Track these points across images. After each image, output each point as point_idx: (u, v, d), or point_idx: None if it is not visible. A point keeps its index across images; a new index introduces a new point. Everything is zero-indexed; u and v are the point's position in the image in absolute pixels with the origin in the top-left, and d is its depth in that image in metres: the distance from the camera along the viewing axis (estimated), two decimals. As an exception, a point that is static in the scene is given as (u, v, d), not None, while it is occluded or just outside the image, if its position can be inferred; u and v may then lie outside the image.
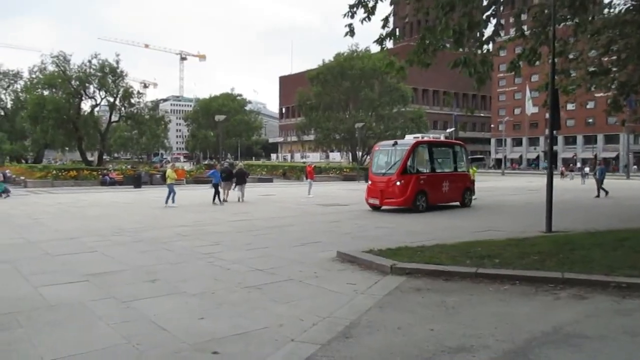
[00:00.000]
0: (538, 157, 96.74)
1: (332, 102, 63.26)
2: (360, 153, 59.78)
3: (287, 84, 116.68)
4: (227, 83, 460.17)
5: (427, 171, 18.39)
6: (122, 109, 50.23)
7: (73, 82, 47.03)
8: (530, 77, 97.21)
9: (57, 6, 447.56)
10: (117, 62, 47.84)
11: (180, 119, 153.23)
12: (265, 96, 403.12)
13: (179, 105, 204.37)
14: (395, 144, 18.62)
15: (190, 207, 19.88)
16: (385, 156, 18.71)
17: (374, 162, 19.41)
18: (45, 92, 49.29)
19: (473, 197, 21.04)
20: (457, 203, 19.58)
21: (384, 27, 10.94)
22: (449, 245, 9.51)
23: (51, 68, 48.81)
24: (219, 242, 11.32)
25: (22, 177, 40.52)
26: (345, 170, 52.02)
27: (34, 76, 53.64)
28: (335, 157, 79.70)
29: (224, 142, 76.86)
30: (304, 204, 21.26)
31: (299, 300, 6.45)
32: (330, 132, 62.59)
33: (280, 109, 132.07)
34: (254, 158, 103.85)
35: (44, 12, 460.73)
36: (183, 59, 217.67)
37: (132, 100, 49.59)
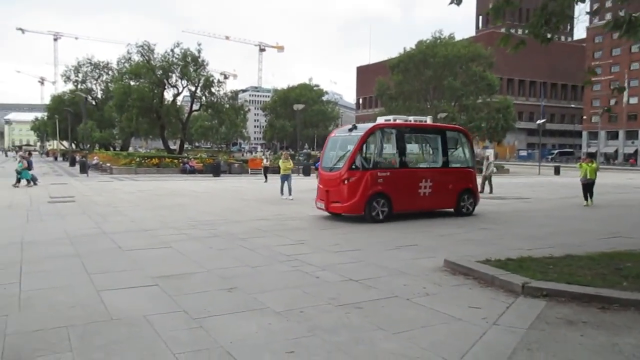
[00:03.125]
0: (637, 151, 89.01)
1: (413, 92, 60.74)
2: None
3: (365, 74, 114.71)
4: (305, 74, 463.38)
5: (393, 165, 13.31)
6: (203, 98, 50.60)
7: (157, 71, 47.80)
8: (630, 65, 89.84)
9: (144, 2, 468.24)
10: (199, 51, 48.13)
11: (258, 109, 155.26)
12: (342, 87, 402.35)
13: (257, 95, 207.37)
14: (353, 128, 13.57)
15: (271, 198, 18.86)
16: (338, 145, 13.87)
17: (325, 153, 14.33)
18: (131, 82, 50.50)
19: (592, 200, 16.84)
20: (451, 210, 14.20)
21: None
22: (585, 257, 7.68)
23: (136, 58, 49.94)
24: (303, 240, 10.05)
25: (109, 164, 41.71)
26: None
27: (120, 66, 55.29)
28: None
29: (301, 132, 76.43)
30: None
31: (412, 329, 4.99)
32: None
33: (357, 100, 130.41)
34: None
35: (132, 7, 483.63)
36: (262, 50, 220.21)
37: (213, 90, 49.82)
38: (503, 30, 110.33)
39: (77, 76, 68.09)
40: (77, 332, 4.90)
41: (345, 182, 12.57)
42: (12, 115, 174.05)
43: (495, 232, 11.39)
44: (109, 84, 65.82)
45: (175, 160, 41.57)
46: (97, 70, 68.97)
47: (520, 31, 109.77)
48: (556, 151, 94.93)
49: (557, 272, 6.69)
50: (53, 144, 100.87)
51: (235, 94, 60.66)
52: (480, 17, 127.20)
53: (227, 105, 52.53)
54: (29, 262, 8.06)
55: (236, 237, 10.34)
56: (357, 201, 12.45)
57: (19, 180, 24.37)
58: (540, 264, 7.27)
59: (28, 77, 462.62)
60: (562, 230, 11.61)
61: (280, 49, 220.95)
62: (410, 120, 16.51)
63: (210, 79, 49.12)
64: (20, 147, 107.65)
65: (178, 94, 51.47)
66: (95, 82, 70.05)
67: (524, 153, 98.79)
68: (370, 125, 13.68)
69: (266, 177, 29.77)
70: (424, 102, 61.41)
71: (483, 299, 6.02)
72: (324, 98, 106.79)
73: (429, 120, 20.04)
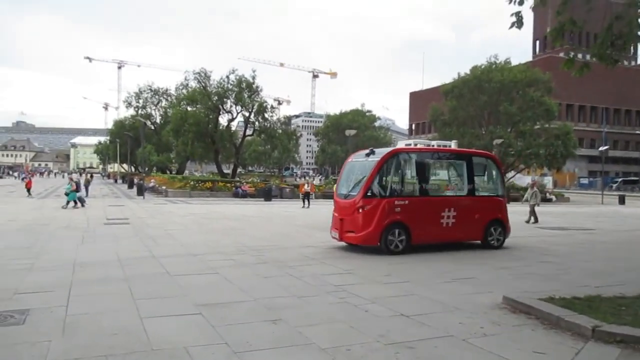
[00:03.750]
0: None
1: (467, 117, 59.60)
2: (498, 172, 55.41)
3: (418, 99, 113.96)
4: (357, 99, 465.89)
5: (412, 193, 12.25)
6: (256, 123, 51.35)
7: (212, 97, 49.01)
8: None
9: (203, 32, 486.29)
10: (253, 77, 49.04)
11: (310, 134, 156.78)
12: (394, 113, 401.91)
13: (310, 121, 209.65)
14: (371, 153, 12.50)
15: (320, 224, 18.62)
16: (355, 171, 12.87)
17: (341, 180, 13.45)
18: (188, 108, 51.96)
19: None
20: (478, 242, 13.04)
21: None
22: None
23: (193, 84, 51.42)
24: (352, 270, 9.70)
25: (164, 187, 42.77)
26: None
27: (178, 92, 57.12)
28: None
29: (353, 157, 76.29)
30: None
31: (469, 375, 4.57)
32: (465, 148, 58.97)
33: (410, 125, 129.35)
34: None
35: (191, 36, 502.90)
36: (315, 76, 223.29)
37: (266, 115, 50.49)
38: (562, 54, 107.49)
39: (138, 102, 70.83)
40: (116, 362, 4.76)
41: (360, 210, 11.67)
42: (78, 139, 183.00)
43: (557, 266, 10.67)
44: (167, 110, 68.00)
45: (228, 184, 42.17)
46: (157, 96, 71.53)
47: (580, 55, 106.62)
48: (620, 179, 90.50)
49: (632, 315, 6.07)
50: (114, 167, 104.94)
51: (288, 119, 61.32)
52: (538, 42, 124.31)
53: (280, 131, 53.08)
54: (78, 284, 8.10)
55: (284, 265, 10.12)
56: (372, 231, 11.49)
57: (68, 202, 25.07)
58: (612, 304, 6.65)
59: (93, 103, 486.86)
60: (632, 266, 10.76)
61: (333, 75, 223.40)
62: (433, 145, 16.06)
63: (264, 104, 49.86)
64: (83, 170, 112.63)
65: (232, 119, 52.52)
66: (154, 107, 72.60)
67: (585, 181, 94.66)
68: (388, 149, 12.93)
69: (304, 202, 29.40)
70: (479, 128, 60.17)
71: (548, 343, 5.48)
72: (376, 124, 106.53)
73: (453, 145, 19.26)
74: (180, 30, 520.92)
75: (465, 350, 5.23)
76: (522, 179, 65.68)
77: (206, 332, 5.72)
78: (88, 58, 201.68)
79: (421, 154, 13.14)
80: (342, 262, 10.60)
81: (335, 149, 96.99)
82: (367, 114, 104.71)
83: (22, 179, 62.38)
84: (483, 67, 58.53)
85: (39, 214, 21.62)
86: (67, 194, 25.36)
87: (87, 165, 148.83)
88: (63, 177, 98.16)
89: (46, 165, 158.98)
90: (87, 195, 36.21)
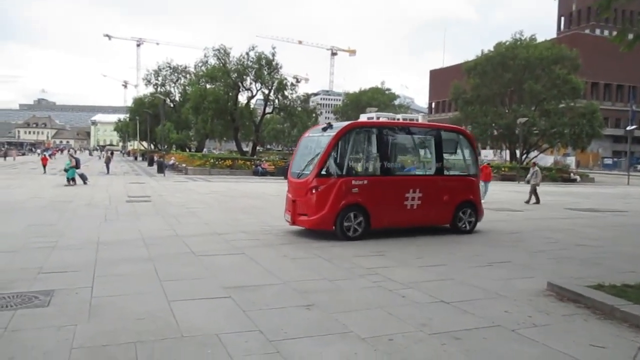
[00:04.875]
0: None
1: (490, 96, 58.34)
2: (520, 151, 54.37)
3: (438, 78, 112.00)
4: (376, 78, 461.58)
5: (372, 172, 11.24)
6: (276, 101, 50.89)
7: (232, 74, 48.59)
8: None
9: (221, 8, 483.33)
10: (273, 54, 48.44)
11: (329, 112, 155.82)
12: (413, 91, 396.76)
13: (329, 99, 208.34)
14: (328, 127, 11.32)
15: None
16: (310, 148, 11.60)
17: (295, 157, 12.22)
18: (207, 85, 51.65)
19: None
20: (446, 225, 12.02)
21: None
22: None
23: (212, 61, 51.00)
24: (382, 252, 9.35)
25: (184, 165, 42.74)
26: (503, 169, 47.52)
27: (198, 70, 56.78)
28: (488, 154, 74.27)
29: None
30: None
31: (525, 371, 4.20)
32: (487, 127, 57.82)
33: (430, 104, 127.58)
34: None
35: (210, 14, 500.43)
36: (334, 54, 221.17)
37: (286, 93, 49.97)
38: (587, 31, 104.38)
39: (157, 79, 70.65)
40: (145, 350, 4.48)
41: (313, 191, 10.55)
42: (98, 117, 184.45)
43: (596, 249, 10.20)
44: (187, 87, 67.76)
45: (248, 162, 42.01)
46: (176, 74, 71.25)
47: (606, 32, 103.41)
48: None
49: (693, 305, 5.62)
50: (134, 144, 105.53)
51: (307, 97, 60.72)
52: (562, 18, 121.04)
53: (299, 109, 52.57)
54: (102, 264, 7.89)
55: (310, 245, 9.81)
56: (325, 214, 10.40)
57: (68, 179, 24.68)
58: (667, 292, 6.20)
59: (113, 81, 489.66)
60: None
61: (352, 52, 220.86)
62: (398, 119, 14.99)
63: (284, 82, 49.30)
64: (103, 147, 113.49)
65: (252, 96, 52.08)
66: (173, 85, 72.40)
67: (609, 161, 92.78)
68: (345, 123, 11.58)
69: None
70: (502, 107, 58.96)
71: (605, 335, 5.09)
72: (395, 102, 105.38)
73: (420, 119, 18.06)
74: (198, 8, 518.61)
75: (516, 342, 4.86)
76: (545, 159, 64.58)
77: (237, 318, 5.43)
78: (107, 36, 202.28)
79: (383, 128, 11.82)
80: (371, 243, 10.24)
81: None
82: (387, 92, 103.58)
83: (50, 155, 63.12)
84: (507, 43, 57.11)
85: (60, 191, 21.62)
86: (66, 170, 25.16)
87: (107, 142, 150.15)
88: (90, 154, 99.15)
89: (67, 142, 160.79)
90: (108, 172, 36.39)
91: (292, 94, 51.04)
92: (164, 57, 73.84)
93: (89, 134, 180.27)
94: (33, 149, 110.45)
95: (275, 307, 5.84)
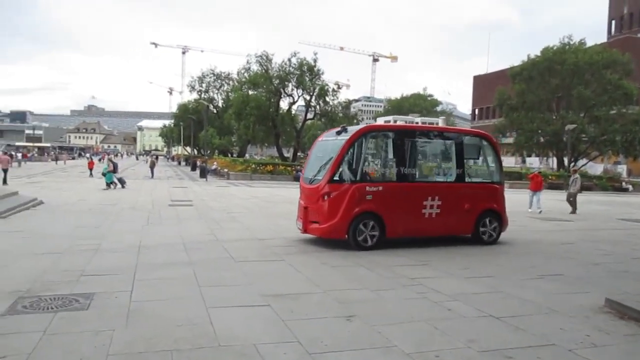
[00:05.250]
0: None
1: (536, 102, 56.73)
2: (568, 159, 52.60)
3: (482, 83, 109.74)
4: (418, 84, 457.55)
5: (387, 178, 10.65)
6: (317, 107, 50.94)
7: (274, 80, 48.94)
8: None
9: (264, 16, 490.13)
10: (315, 60, 48.55)
11: (370, 118, 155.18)
12: (456, 97, 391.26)
13: (370, 105, 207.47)
14: (343, 131, 10.65)
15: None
16: (323, 152, 10.99)
17: (308, 162, 11.84)
18: (250, 91, 52.21)
19: None
20: (468, 235, 11.32)
21: None
22: None
23: (255, 68, 51.54)
24: (426, 261, 9.03)
25: (226, 170, 43.24)
26: (551, 177, 46.02)
27: (240, 76, 57.49)
28: (533, 162, 72.18)
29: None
30: (512, 216, 17.91)
31: (586, 396, 3.86)
32: (533, 134, 56.25)
33: (473, 110, 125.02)
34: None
35: (253, 21, 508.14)
36: (375, 60, 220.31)
37: (327, 99, 49.97)
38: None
39: (201, 86, 72.03)
40: None
41: (325, 197, 10.00)
42: (144, 122, 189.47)
43: (656, 263, 9.58)
44: (229, 93, 68.77)
45: (289, 168, 42.10)
46: (219, 80, 72.45)
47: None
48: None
49: None
50: (178, 150, 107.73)
51: (348, 103, 60.56)
52: (613, 22, 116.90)
53: (341, 115, 52.40)
54: (143, 268, 7.88)
55: (351, 253, 9.56)
56: (337, 222, 9.81)
57: (108, 184, 24.98)
58: None
59: (159, 88, 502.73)
60: None
61: (394, 59, 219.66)
62: (417, 123, 14.02)
63: (325, 88, 49.31)
64: (149, 152, 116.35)
65: (293, 102, 52.32)
66: (217, 91, 73.63)
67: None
68: (360, 126, 11.13)
69: None
70: (549, 113, 57.25)
71: (675, 359, 4.67)
72: (438, 108, 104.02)
73: (441, 122, 17.06)
74: (242, 16, 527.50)
75: (575, 364, 4.50)
76: (595, 167, 62.22)
77: (276, 327, 5.26)
78: (154, 44, 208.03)
79: (399, 132, 11.21)
80: (415, 252, 9.93)
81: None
82: (429, 98, 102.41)
83: (100, 159, 65.18)
84: (555, 48, 55.53)
85: (104, 194, 22.10)
86: (104, 175, 25.61)
87: (153, 147, 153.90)
88: (137, 158, 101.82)
89: (115, 147, 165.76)
90: (152, 177, 37.13)
91: (333, 100, 51.03)
92: (208, 64, 75.20)
93: (135, 139, 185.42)
94: (82, 153, 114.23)
95: (315, 317, 5.64)
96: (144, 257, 8.70)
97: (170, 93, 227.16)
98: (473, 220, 11.04)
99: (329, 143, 10.92)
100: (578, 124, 49.63)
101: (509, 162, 77.80)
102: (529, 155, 70.04)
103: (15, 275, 7.27)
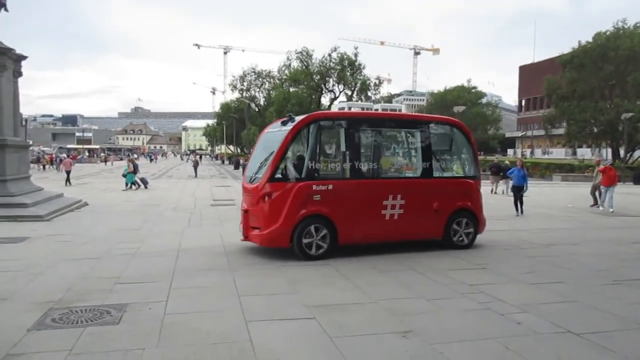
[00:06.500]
0: None
1: (588, 90, 54.14)
2: (625, 149, 49.97)
3: (529, 73, 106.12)
4: (461, 76, 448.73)
5: (339, 175, 9.06)
6: (359, 102, 50.26)
7: (314, 76, 48.53)
8: None
9: (303, 14, 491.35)
10: (355, 55, 47.92)
11: (412, 112, 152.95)
12: (500, 89, 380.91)
13: (412, 99, 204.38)
14: (289, 120, 9.18)
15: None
16: (267, 146, 9.48)
17: (252, 157, 10.45)
18: (291, 88, 52.01)
19: None
20: (437, 239, 9.75)
21: None
22: None
23: (295, 64, 51.25)
24: (484, 264, 8.26)
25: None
26: (606, 169, 43.61)
27: (281, 74, 57.37)
28: (585, 153, 69.15)
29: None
30: (572, 211, 16.79)
31: None
32: (586, 124, 53.70)
33: (520, 101, 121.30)
34: (481, 153, 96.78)
35: (293, 19, 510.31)
36: (417, 53, 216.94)
37: (369, 93, 49.28)
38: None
39: (243, 85, 72.38)
40: (216, 387, 3.82)
41: (265, 199, 8.60)
42: (188, 123, 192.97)
43: None
44: (271, 91, 68.82)
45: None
46: (260, 79, 72.62)
47: None
48: None
49: None
50: (221, 148, 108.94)
51: (390, 97, 59.58)
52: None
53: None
54: (180, 274, 7.45)
55: (402, 256, 8.87)
56: (279, 227, 8.42)
57: (127, 184, 24.73)
58: None
59: (202, 88, 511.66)
60: None
61: (436, 51, 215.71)
62: (376, 110, 11.78)
63: (367, 82, 48.58)
64: (193, 151, 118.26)
65: (335, 98, 51.83)
66: (258, 89, 73.86)
67: None
68: (306, 115, 9.38)
69: None
70: (604, 101, 54.50)
71: None
72: (483, 100, 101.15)
73: (404, 109, 14.14)
74: (282, 14, 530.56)
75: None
76: (653, 158, 58.97)
77: (322, 346, 4.67)
78: (197, 45, 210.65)
79: (352, 120, 9.70)
80: (469, 253, 9.16)
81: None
82: (473, 90, 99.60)
83: (151, 160, 66.55)
84: (608, 33, 52.78)
85: (149, 194, 22.09)
86: (124, 176, 25.54)
87: (197, 147, 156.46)
88: (182, 158, 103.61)
89: (160, 147, 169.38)
90: (195, 176, 37.30)
91: (375, 94, 50.30)
92: (249, 63, 75.66)
93: (180, 139, 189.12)
94: (130, 154, 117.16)
95: (366, 332, 5.02)
96: (182, 262, 8.28)
97: (213, 93, 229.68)
98: (443, 221, 9.53)
99: (273, 135, 9.46)
100: (635, 112, 47.00)
101: (559, 153, 74.89)
102: (580, 147, 67.26)
103: (50, 282, 6.97)
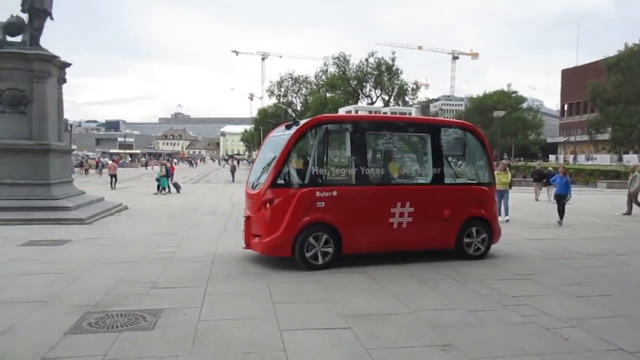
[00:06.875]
0: None
1: (635, 94, 52.33)
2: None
3: (571, 77, 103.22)
4: (501, 81, 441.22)
5: (344, 181, 8.70)
6: (396, 107, 49.88)
7: (351, 81, 48.46)
8: None
9: (341, 20, 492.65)
10: (393, 59, 47.70)
11: (451, 118, 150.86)
12: (541, 93, 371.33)
13: (450, 105, 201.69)
14: (293, 124, 8.93)
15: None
16: (270, 150, 9.24)
17: (256, 161, 10.16)
18: (327, 94, 52.08)
19: None
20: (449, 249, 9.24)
21: None
22: None
23: (332, 70, 51.32)
24: (529, 274, 7.93)
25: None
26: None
27: (318, 79, 57.55)
28: (631, 159, 66.75)
29: (498, 141, 71.49)
30: (619, 220, 16.11)
31: None
32: (633, 129, 51.91)
33: (562, 106, 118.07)
34: (521, 159, 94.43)
35: (330, 25, 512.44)
36: (455, 58, 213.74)
37: (406, 98, 48.87)
38: None
39: (280, 90, 72.92)
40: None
41: (267, 205, 8.26)
42: (226, 128, 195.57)
43: None
44: (307, 97, 69.09)
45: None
46: (297, 84, 73.01)
47: None
48: None
49: None
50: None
51: (428, 102, 58.96)
52: None
53: (420, 114, 51.09)
54: (215, 279, 7.44)
55: (442, 264, 8.63)
56: (280, 236, 8.08)
57: (159, 188, 25.01)
58: None
59: (240, 94, 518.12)
60: None
61: (475, 55, 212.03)
62: (385, 113, 10.82)
63: (404, 87, 48.21)
64: (231, 156, 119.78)
65: (372, 103, 51.61)
66: (295, 95, 74.25)
67: None
68: (309, 119, 9.15)
69: None
70: (651, 106, 52.61)
71: None
72: (523, 105, 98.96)
73: (414, 112, 13.18)
74: (319, 20, 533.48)
75: None
76: None
77: (358, 358, 4.52)
78: (235, 52, 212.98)
79: (359, 123, 9.14)
80: (514, 263, 8.83)
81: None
82: (513, 95, 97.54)
83: (191, 164, 67.89)
84: (657, 35, 50.86)
85: (187, 198, 22.36)
86: (157, 180, 25.85)
87: (235, 152, 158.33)
88: (219, 163, 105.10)
89: (199, 152, 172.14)
90: (233, 181, 37.63)
91: (412, 99, 49.82)
92: (286, 69, 76.26)
93: (218, 144, 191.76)
94: (169, 159, 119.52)
95: (403, 345, 4.85)
96: (217, 268, 8.26)
97: (251, 99, 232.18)
98: (455, 230, 9.05)
99: (277, 139, 9.15)
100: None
101: (604, 159, 72.49)
102: (626, 153, 64.90)
103: (88, 286, 7.04)
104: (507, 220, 14.61)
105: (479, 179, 9.83)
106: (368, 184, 8.69)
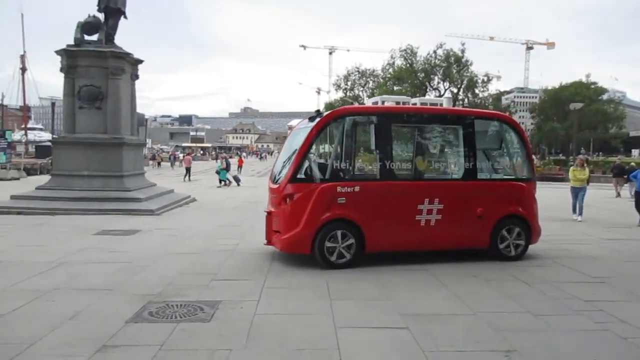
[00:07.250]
0: None
1: None
2: None
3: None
4: (579, 71, 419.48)
5: (368, 175, 8.40)
6: (466, 99, 48.55)
7: (419, 74, 47.57)
8: None
9: (410, 12, 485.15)
10: (462, 51, 46.40)
11: (524, 110, 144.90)
12: (625, 84, 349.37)
13: (523, 97, 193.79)
14: (317, 116, 8.36)
15: (550, 210, 15.66)
16: (293, 144, 8.79)
17: (280, 155, 9.53)
18: (394, 87, 51.42)
19: None
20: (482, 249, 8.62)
21: None
22: None
23: (399, 62, 50.60)
24: (604, 278, 7.40)
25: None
26: None
27: (384, 72, 56.93)
28: None
29: (575, 135, 67.93)
30: None
31: None
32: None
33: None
34: (599, 154, 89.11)
35: (399, 18, 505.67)
36: (529, 48, 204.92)
37: (476, 91, 47.42)
38: None
39: (346, 84, 72.75)
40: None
41: (287, 200, 7.95)
42: (294, 122, 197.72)
43: None
44: (374, 90, 68.55)
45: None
46: (364, 78, 72.56)
47: None
48: None
49: None
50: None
51: (499, 94, 56.90)
52: None
53: (491, 107, 49.43)
54: (274, 273, 7.47)
55: (506, 264, 8.24)
56: (300, 232, 7.75)
57: (221, 181, 25.59)
58: None
59: (307, 88, 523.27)
60: None
61: (551, 45, 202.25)
62: (414, 104, 9.43)
63: (474, 79, 46.76)
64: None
65: (440, 96, 50.42)
66: (362, 88, 73.86)
67: None
68: (330, 111, 8.71)
69: None
70: None
71: None
72: (604, 97, 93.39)
73: (445, 104, 11.13)
74: (387, 13, 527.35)
75: None
76: None
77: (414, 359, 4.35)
78: (303, 46, 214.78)
79: (385, 115, 8.75)
80: (588, 265, 8.30)
81: (553, 127, 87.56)
82: (592, 86, 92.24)
83: (261, 158, 69.46)
84: None
85: (251, 191, 22.73)
86: (218, 173, 26.29)
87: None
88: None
89: (267, 146, 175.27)
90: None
91: (483, 92, 48.32)
92: (353, 63, 76.01)
93: (285, 138, 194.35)
94: (238, 152, 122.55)
95: (463, 348, 4.63)
96: (277, 261, 8.29)
97: (318, 93, 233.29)
98: (489, 229, 8.48)
99: (300, 132, 8.83)
100: None
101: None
102: None
103: (152, 276, 7.25)
104: (580, 221, 13.77)
105: (517, 174, 9.19)
106: (393, 179, 8.20)
